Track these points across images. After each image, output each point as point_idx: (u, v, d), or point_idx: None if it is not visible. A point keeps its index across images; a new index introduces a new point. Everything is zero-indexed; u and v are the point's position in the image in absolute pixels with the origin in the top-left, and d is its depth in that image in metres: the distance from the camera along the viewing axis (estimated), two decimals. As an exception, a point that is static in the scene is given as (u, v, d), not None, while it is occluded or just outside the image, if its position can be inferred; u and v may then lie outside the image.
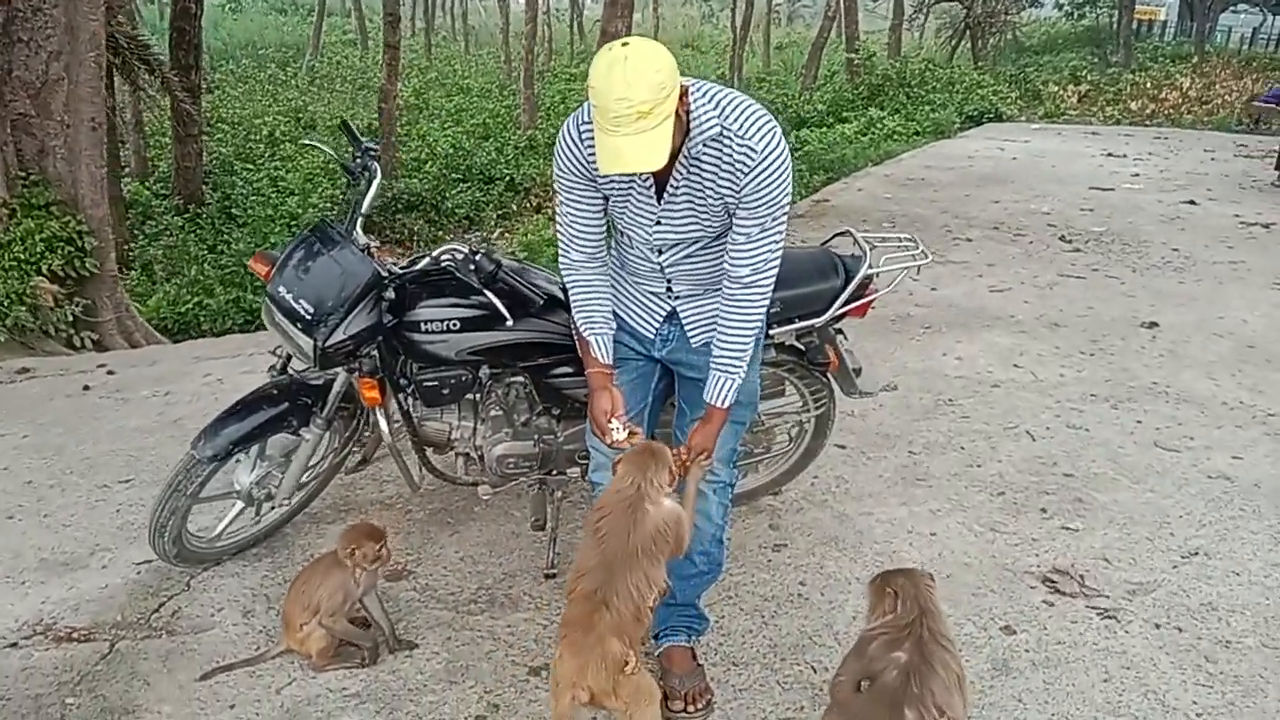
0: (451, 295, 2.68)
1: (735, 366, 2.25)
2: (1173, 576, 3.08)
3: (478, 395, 2.94)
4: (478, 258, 2.57)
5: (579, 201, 2.27)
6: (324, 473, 3.15)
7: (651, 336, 2.48)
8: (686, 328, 2.44)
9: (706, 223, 2.20)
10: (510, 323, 2.59)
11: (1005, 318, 5.66)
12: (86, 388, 4.44)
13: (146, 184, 13.58)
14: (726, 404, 2.27)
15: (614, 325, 2.39)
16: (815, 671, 2.62)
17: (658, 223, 2.23)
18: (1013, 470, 3.76)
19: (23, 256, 5.10)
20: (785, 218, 2.15)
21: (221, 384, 4.48)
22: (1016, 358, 5.00)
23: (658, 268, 2.34)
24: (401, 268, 2.69)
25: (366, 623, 2.71)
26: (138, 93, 11.77)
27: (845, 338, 3.12)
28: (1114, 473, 3.76)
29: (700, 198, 2.15)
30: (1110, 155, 12.08)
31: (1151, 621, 2.85)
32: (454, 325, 2.68)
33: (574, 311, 2.38)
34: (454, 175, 14.47)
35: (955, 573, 3.07)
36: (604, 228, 2.35)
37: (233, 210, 11.88)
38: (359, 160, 2.79)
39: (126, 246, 9.91)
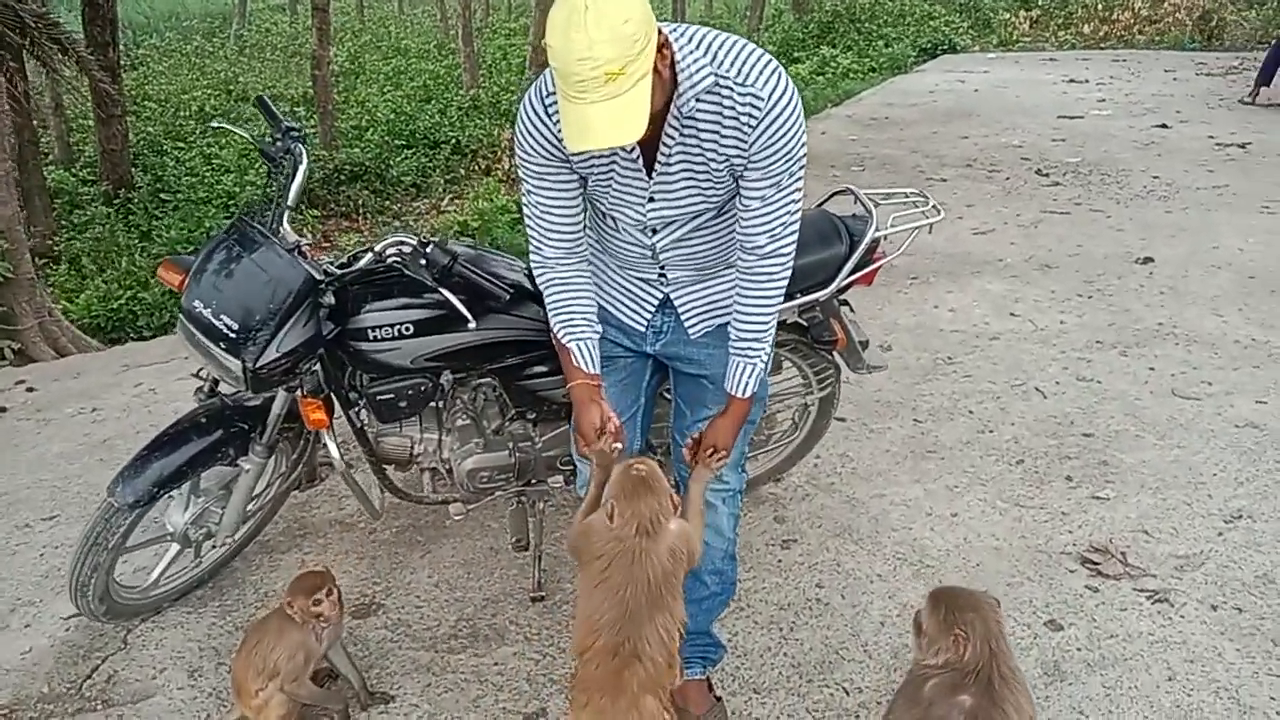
0: (401, 295, 2.30)
1: (756, 350, 1.95)
2: (1219, 546, 2.81)
3: (441, 404, 2.58)
4: (429, 250, 2.19)
5: (550, 188, 1.89)
6: (272, 500, 2.77)
7: (642, 329, 2.14)
8: (684, 317, 2.11)
9: (710, 193, 1.86)
10: (472, 324, 2.22)
11: (993, 262, 5.36)
12: (3, 410, 3.99)
13: (72, 170, 12.84)
14: (749, 393, 1.97)
15: (599, 328, 2.03)
16: (848, 694, 2.32)
17: (650, 200, 1.87)
18: (1028, 434, 3.47)
19: (-79, 265, 4.61)
20: (803, 172, 1.83)
21: (154, 394, 4.05)
22: (1012, 305, 4.70)
23: (649, 251, 1.99)
24: (340, 266, 2.30)
25: (333, 674, 2.36)
26: (53, 75, 11.02)
27: (851, 309, 2.78)
28: (1136, 429, 3.48)
29: (700, 164, 1.80)
30: (1072, 81, 11.78)
31: (1207, 602, 2.57)
32: (407, 330, 2.30)
33: (551, 316, 2.01)
34: (397, 142, 13.85)
35: (985, 560, 2.78)
36: (581, 216, 1.98)
37: (164, 194, 11.22)
38: (279, 143, 2.38)
39: (52, 240, 9.30)
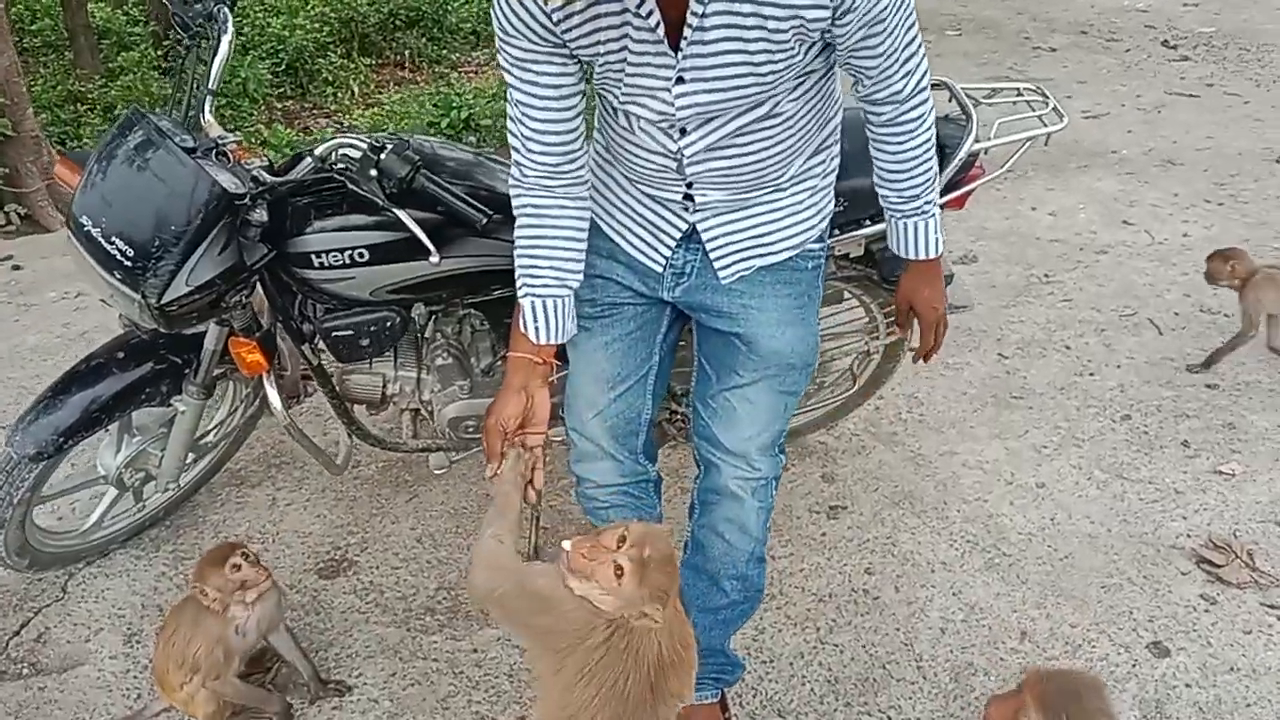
0: (351, 212, 1.81)
1: (928, 202, 1.62)
2: (1376, 549, 2.27)
3: (419, 337, 2.12)
4: (383, 157, 1.68)
5: (536, 82, 1.42)
6: (234, 430, 2.39)
7: (659, 269, 1.65)
8: (712, 255, 1.62)
9: (765, 69, 1.35)
10: (435, 258, 1.73)
11: (1105, 154, 4.62)
12: (-16, 290, 3.66)
13: (124, 8, 12.34)
14: (937, 249, 1.67)
15: (575, 282, 1.56)
16: (893, 724, 1.89)
17: (679, 80, 1.36)
18: (1137, 380, 2.90)
19: (-91, 121, 4.21)
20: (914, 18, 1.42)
21: (146, 279, 3.66)
22: (1125, 210, 4.02)
23: (673, 162, 1.50)
24: (275, 171, 1.80)
25: (270, 659, 2.00)
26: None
27: (934, 238, 2.22)
28: (1270, 381, 2.89)
29: (752, 24, 1.30)
30: (1208, -67, 10.38)
31: (1358, 629, 2.06)
32: (360, 255, 1.83)
33: (516, 256, 1.53)
34: (460, -18, 13.03)
35: (1076, 551, 2.28)
36: (578, 122, 1.47)
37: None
38: (198, 3, 1.85)
39: (92, 85, 8.90)
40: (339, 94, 9.69)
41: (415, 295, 1.96)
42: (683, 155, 1.48)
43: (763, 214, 1.59)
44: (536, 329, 1.54)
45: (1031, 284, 3.46)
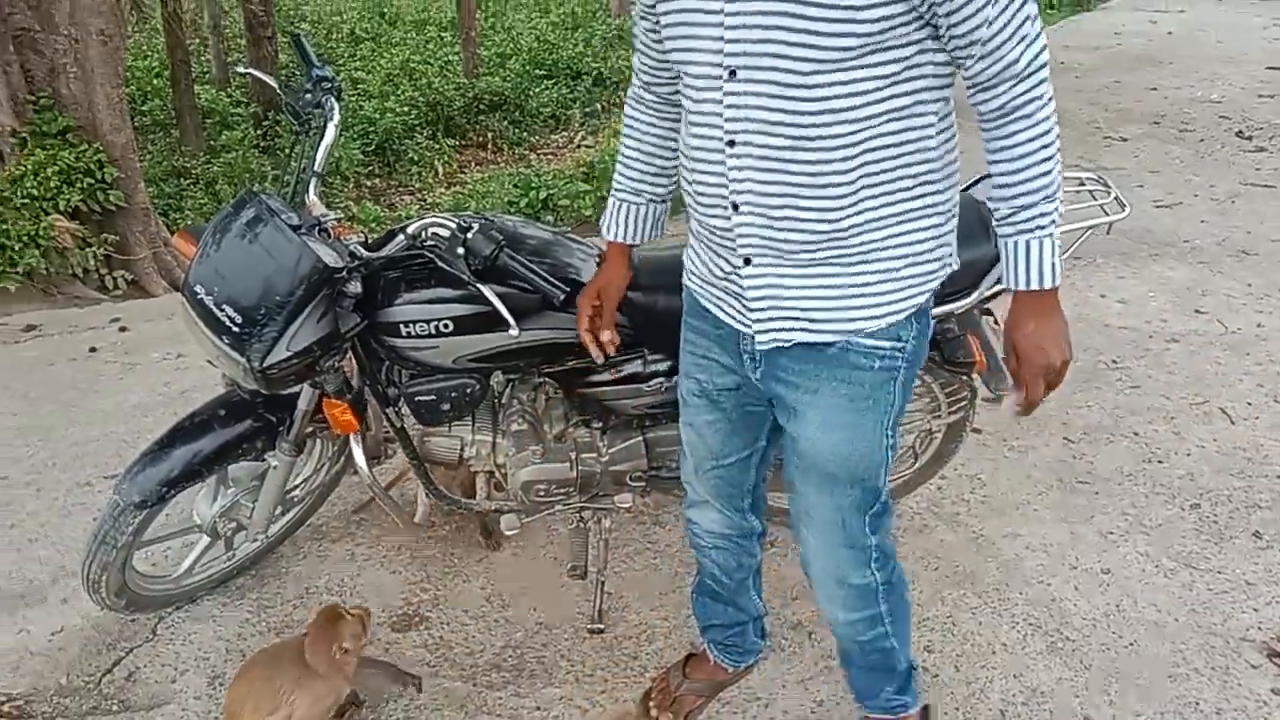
0: (438, 286, 1.95)
1: (1043, 215, 1.34)
2: None
3: (495, 403, 2.24)
4: (470, 235, 1.82)
5: (646, 13, 1.55)
6: (318, 488, 2.52)
7: (731, 325, 1.55)
8: (749, 304, 1.47)
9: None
10: (514, 331, 1.84)
11: (1178, 243, 4.61)
12: (93, 349, 3.91)
13: (227, 91, 13.10)
14: (1051, 280, 1.37)
15: (647, 194, 1.77)
16: (949, 806, 1.90)
17: None
18: (1208, 469, 2.88)
19: (36, 192, 4.56)
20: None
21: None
22: (1197, 300, 4.01)
23: (723, 178, 1.39)
24: (369, 247, 1.95)
25: (356, 701, 2.11)
26: (203, -4, 11.19)
27: (995, 321, 2.28)
28: (1348, 475, 2.85)
29: None
30: (1287, 26, 10.37)
31: None
32: (445, 327, 1.96)
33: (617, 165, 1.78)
34: (538, 71, 13.57)
35: (1141, 639, 2.27)
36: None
37: (310, 117, 11.28)
38: (309, 93, 2.04)
39: (196, 161, 9.44)
40: (423, 173, 10.13)
41: (494, 364, 2.08)
42: (724, 110, 1.35)
43: (816, 276, 1.41)
44: (608, 226, 1.78)
45: (1100, 370, 3.47)
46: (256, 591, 2.51)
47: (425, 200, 9.28)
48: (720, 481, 1.82)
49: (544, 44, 14.53)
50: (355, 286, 1.89)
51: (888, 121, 1.32)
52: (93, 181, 4.79)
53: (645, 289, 2.05)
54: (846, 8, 1.22)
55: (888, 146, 1.33)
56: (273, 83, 2.18)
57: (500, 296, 1.86)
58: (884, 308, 1.42)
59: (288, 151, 2.13)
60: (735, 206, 1.40)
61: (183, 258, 2.07)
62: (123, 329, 4.12)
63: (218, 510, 2.28)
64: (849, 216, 1.36)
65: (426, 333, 1.96)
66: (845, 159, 1.32)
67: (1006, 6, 1.26)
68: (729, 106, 1.34)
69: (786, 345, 1.47)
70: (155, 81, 12.38)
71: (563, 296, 1.87)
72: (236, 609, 2.45)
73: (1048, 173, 1.33)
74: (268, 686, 1.92)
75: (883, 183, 1.35)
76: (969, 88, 1.35)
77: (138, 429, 3.27)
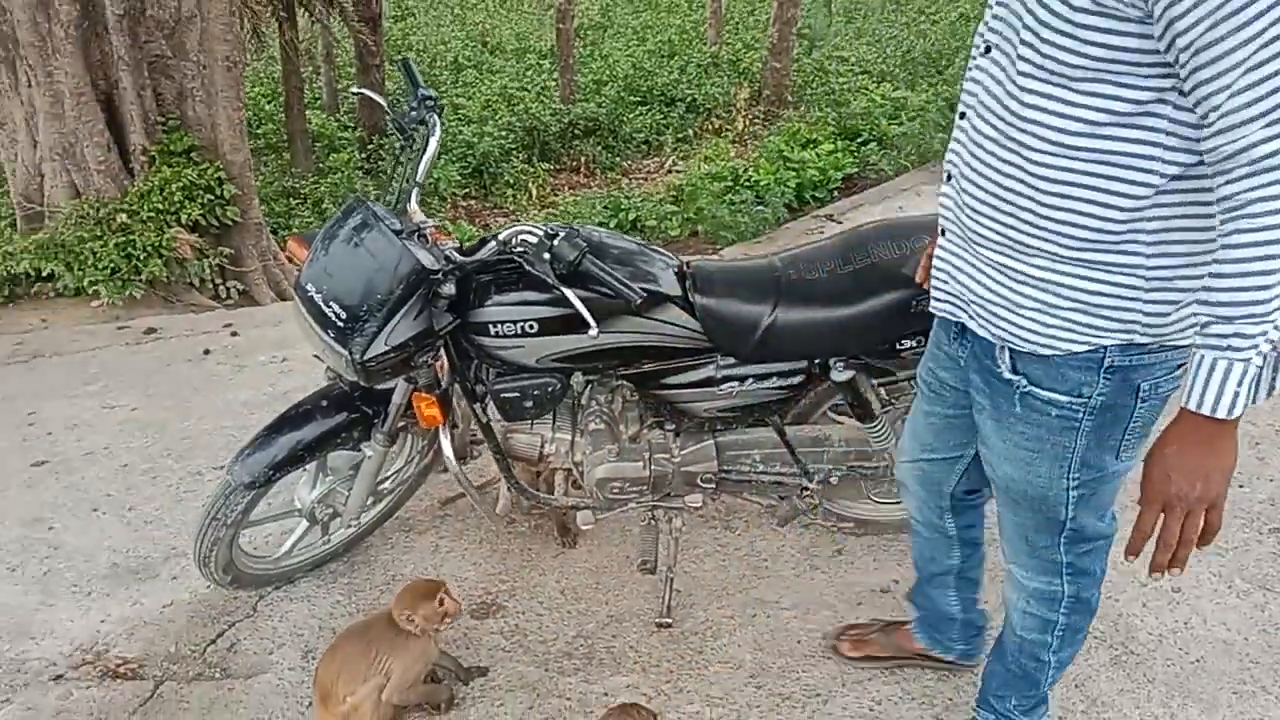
0: (525, 289, 2.09)
1: (1238, 336, 1.14)
2: None
3: (575, 403, 2.37)
4: (555, 242, 1.95)
5: None
6: (408, 481, 2.68)
7: (946, 305, 1.59)
8: (934, 268, 1.54)
9: (1054, 8, 1.17)
10: (594, 330, 1.97)
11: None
12: (207, 351, 4.19)
13: (336, 116, 13.70)
14: (1217, 408, 1.17)
15: None
16: (1002, 806, 1.93)
17: None
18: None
19: (161, 207, 4.91)
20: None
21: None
22: (1291, 328, 3.92)
23: (958, 111, 1.44)
24: (464, 252, 2.11)
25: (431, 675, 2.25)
26: (319, 25, 11.76)
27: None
28: None
29: None
30: None
31: None
32: (530, 327, 2.10)
33: None
34: (633, 98, 13.84)
35: (1208, 655, 2.26)
36: None
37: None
38: (414, 111, 2.21)
39: (305, 182, 9.92)
40: (517, 195, 10.43)
41: (575, 365, 2.21)
42: (954, 133, 1.42)
43: (987, 269, 1.41)
44: None
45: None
46: (348, 576, 2.68)
47: (519, 221, 9.56)
48: (922, 474, 1.88)
49: (640, 71, 14.80)
50: (449, 288, 2.04)
51: (1100, 163, 1.23)
52: (212, 198, 5.14)
53: (717, 297, 2.16)
54: (1074, 24, 1.15)
55: (1092, 189, 1.25)
56: (381, 100, 2.37)
57: (582, 300, 1.98)
58: (1036, 335, 1.38)
59: (392, 164, 2.31)
60: (948, 176, 1.44)
61: (296, 260, 2.25)
62: (234, 334, 4.39)
63: (316, 496, 2.46)
64: (1029, 234, 1.32)
65: (513, 333, 2.10)
66: (1041, 176, 1.27)
67: (1262, 81, 1.05)
68: (971, 80, 1.36)
69: (953, 322, 1.56)
70: (268, 106, 13.03)
71: (640, 300, 1.98)
72: (330, 591, 2.62)
73: (1263, 288, 1.11)
74: (361, 658, 2.07)
75: (1077, 221, 1.28)
76: (1206, 157, 1.15)
77: (245, 424, 3.50)
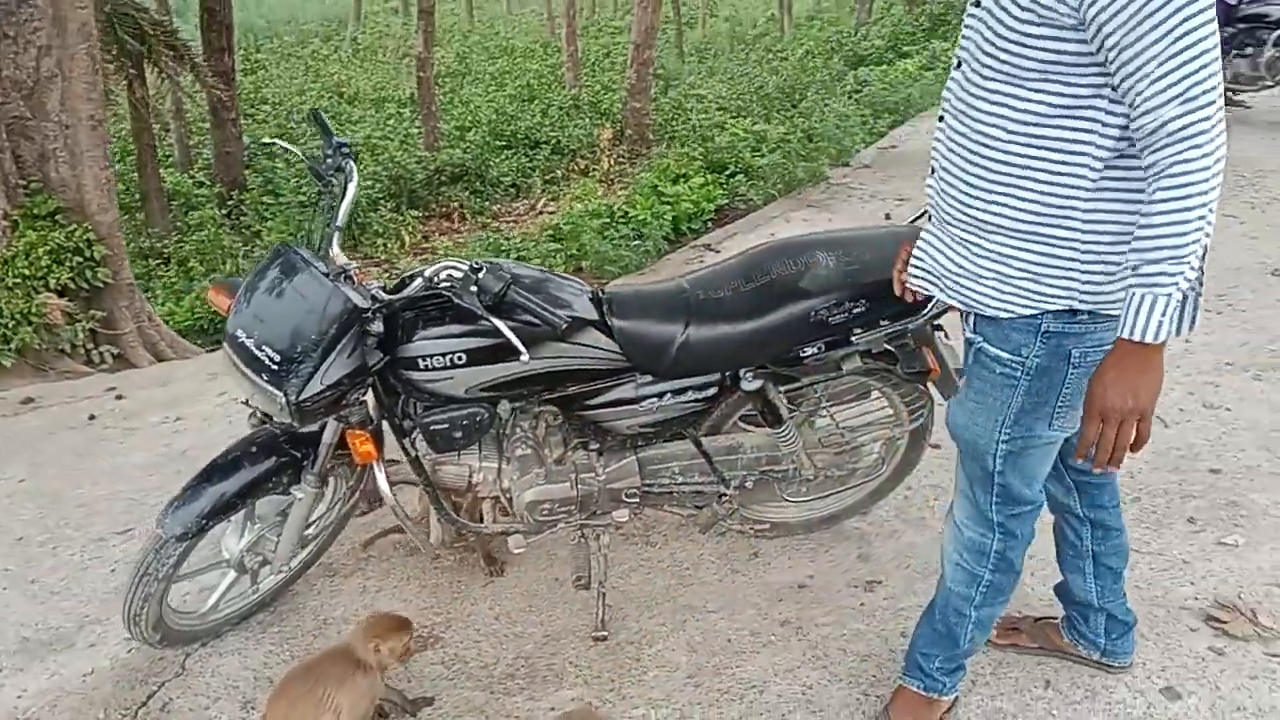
0: (453, 322, 2.18)
1: (1163, 274, 1.38)
2: (1371, 608, 2.48)
3: (500, 432, 2.45)
4: (481, 275, 2.05)
5: None
6: (331, 526, 2.70)
7: None
8: (915, 262, 1.83)
9: (1007, 24, 1.46)
10: (525, 356, 2.07)
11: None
12: (92, 417, 4.06)
13: (190, 173, 13.33)
14: (1144, 334, 1.41)
15: None
16: (933, 764, 2.10)
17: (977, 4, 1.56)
18: (1145, 468, 3.15)
19: (27, 272, 4.73)
20: (1201, 32, 1.32)
21: (236, 403, 4.05)
22: (1130, 321, 4.33)
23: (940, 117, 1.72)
24: (390, 290, 2.18)
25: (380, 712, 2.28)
26: (172, 81, 11.45)
27: (945, 335, 2.54)
28: (1271, 464, 3.13)
29: None
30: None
31: (1356, 675, 2.26)
32: (459, 359, 2.18)
33: None
34: (498, 142, 13.96)
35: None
36: None
37: (272, 196, 11.51)
38: (329, 160, 2.28)
39: (163, 242, 9.62)
40: (389, 244, 10.35)
41: (502, 393, 2.30)
42: (935, 134, 1.71)
43: (954, 246, 1.70)
44: None
45: (1045, 387, 3.75)
46: (277, 626, 2.67)
47: (394, 270, 9.51)
48: None
49: (502, 116, 14.95)
50: (378, 326, 2.11)
51: (1046, 149, 1.49)
52: (81, 260, 4.97)
53: (633, 319, 2.30)
54: (1021, 34, 1.44)
55: (1040, 171, 1.51)
56: (296, 150, 2.43)
57: (510, 328, 2.08)
58: (993, 301, 1.64)
59: (313, 210, 2.37)
60: (932, 170, 1.73)
61: (217, 308, 2.27)
62: (119, 397, 4.27)
63: (245, 545, 2.46)
64: (989, 213, 1.59)
65: (442, 365, 2.18)
66: (1000, 161, 1.54)
67: (1158, 52, 1.31)
68: (947, 89, 1.65)
69: (922, 296, 1.88)
70: (119, 165, 12.56)
71: (564, 325, 2.10)
72: (259, 643, 2.61)
73: (1181, 235, 1.36)
74: (308, 698, 2.08)
75: (1027, 199, 1.53)
76: (1135, 143, 1.41)
77: (143, 487, 3.43)
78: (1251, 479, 3.06)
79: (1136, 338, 1.41)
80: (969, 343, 1.79)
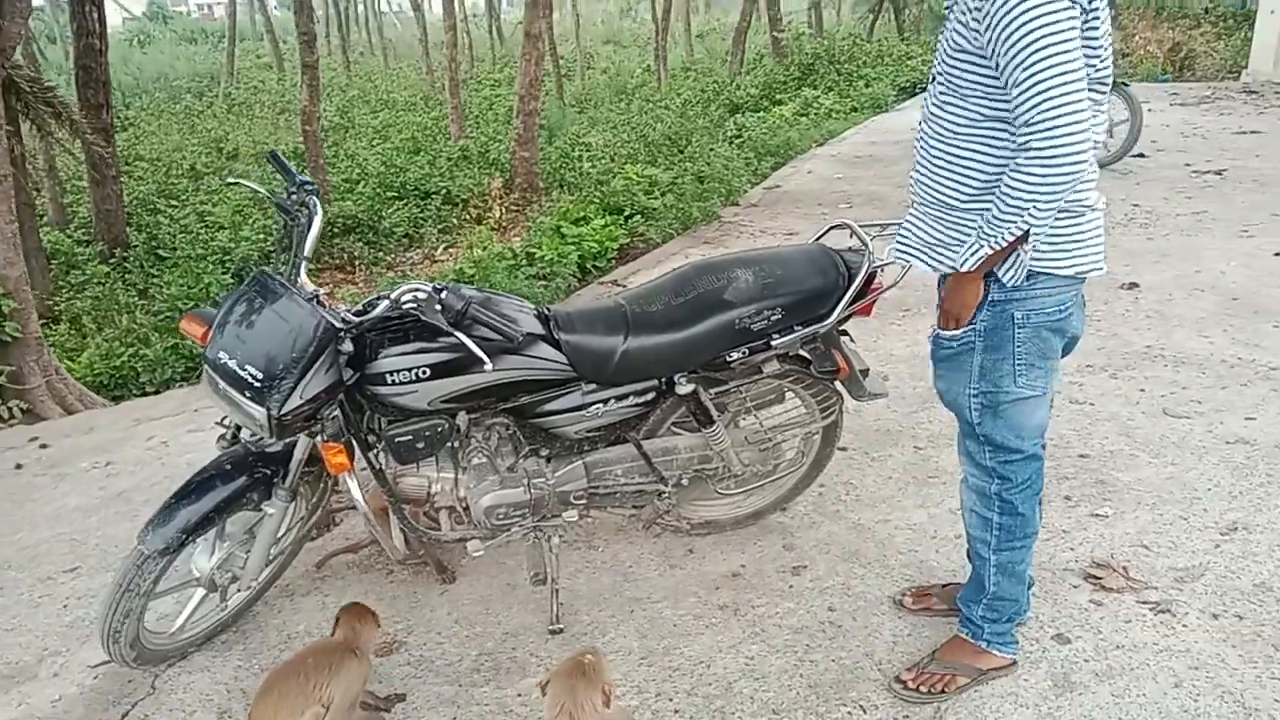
0: (417, 340, 2.39)
1: (992, 230, 1.92)
2: (1217, 558, 2.89)
3: (457, 443, 2.65)
4: (444, 295, 2.27)
5: None
6: (293, 543, 2.83)
7: None
8: (900, 239, 2.27)
9: (950, 52, 1.97)
10: (489, 365, 2.29)
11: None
12: (19, 466, 4.04)
13: (67, 232, 12.94)
14: (964, 265, 1.99)
15: None
16: (864, 711, 2.38)
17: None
18: (1026, 456, 3.55)
19: (-68, 329, 4.67)
20: (1047, 50, 1.77)
21: (166, 447, 4.11)
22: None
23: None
24: (356, 313, 2.38)
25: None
26: (46, 138, 11.18)
27: (851, 339, 2.87)
28: (1130, 448, 3.58)
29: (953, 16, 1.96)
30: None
31: (1208, 612, 2.65)
32: (424, 373, 2.39)
33: None
34: (389, 193, 13.99)
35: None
36: None
37: (160, 251, 11.29)
38: (294, 196, 2.48)
39: (51, 300, 9.36)
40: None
41: (461, 404, 2.51)
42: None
43: (922, 221, 2.19)
44: None
45: (933, 394, 4.14)
46: (242, 644, 2.78)
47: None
48: None
49: (391, 168, 14.99)
50: (348, 345, 2.31)
51: (978, 143, 1.99)
52: (-12, 315, 4.92)
53: (579, 333, 2.55)
54: (960, 59, 1.94)
55: (974, 158, 2.01)
56: (262, 190, 2.61)
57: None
58: (953, 264, 2.08)
59: (279, 242, 2.55)
60: (915, 164, 2.18)
61: (191, 338, 2.42)
62: (43, 446, 4.26)
63: (215, 562, 2.58)
64: (947, 192, 2.06)
65: (408, 379, 2.38)
66: (949, 153, 2.04)
67: (1017, 64, 1.80)
68: (925, 98, 2.13)
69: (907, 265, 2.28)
70: (-7, 226, 12.11)
71: (521, 338, 2.34)
72: (227, 660, 2.72)
73: (1011, 207, 1.86)
74: (297, 691, 2.21)
75: (971, 181, 2.02)
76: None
77: (84, 528, 3.47)
78: (1115, 461, 3.49)
79: (960, 268, 2.01)
80: (940, 323, 2.22)
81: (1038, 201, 1.84)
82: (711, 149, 10.15)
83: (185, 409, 4.59)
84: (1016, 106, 1.83)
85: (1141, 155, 8.83)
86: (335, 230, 12.78)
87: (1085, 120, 1.80)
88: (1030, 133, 1.82)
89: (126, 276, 10.92)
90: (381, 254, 12.55)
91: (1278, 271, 5.48)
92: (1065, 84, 1.77)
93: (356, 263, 12.11)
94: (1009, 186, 1.86)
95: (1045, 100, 1.78)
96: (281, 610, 2.92)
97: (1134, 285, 5.37)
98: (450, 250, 11.98)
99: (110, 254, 11.66)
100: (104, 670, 2.68)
